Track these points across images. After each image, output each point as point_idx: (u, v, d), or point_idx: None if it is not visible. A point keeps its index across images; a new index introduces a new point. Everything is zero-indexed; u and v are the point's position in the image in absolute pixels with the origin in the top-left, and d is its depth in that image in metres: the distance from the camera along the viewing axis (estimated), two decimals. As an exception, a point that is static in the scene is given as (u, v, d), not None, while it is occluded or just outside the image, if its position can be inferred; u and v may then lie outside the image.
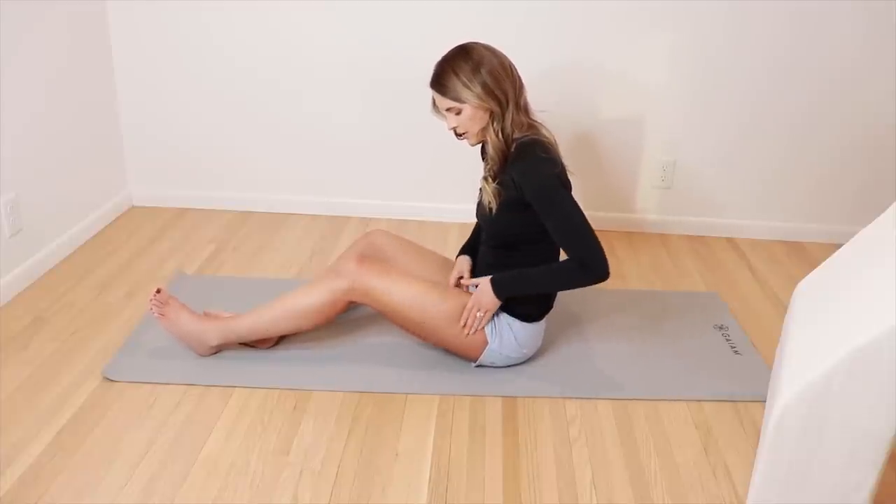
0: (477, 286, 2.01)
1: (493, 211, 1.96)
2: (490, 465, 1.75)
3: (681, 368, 2.14)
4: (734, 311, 2.47)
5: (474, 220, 2.15)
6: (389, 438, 1.82)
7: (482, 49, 1.90)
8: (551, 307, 2.09)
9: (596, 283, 1.90)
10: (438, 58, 1.92)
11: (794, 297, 1.64)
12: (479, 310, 1.97)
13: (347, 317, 2.24)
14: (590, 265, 1.87)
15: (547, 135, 1.95)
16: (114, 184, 3.03)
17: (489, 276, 1.97)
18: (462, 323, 1.99)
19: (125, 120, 3.02)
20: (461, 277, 2.11)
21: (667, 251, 2.93)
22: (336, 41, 2.86)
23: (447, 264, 2.24)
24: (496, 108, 1.89)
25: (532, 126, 1.94)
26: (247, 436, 1.81)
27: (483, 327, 2.00)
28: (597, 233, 1.89)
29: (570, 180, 1.96)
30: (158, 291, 2.06)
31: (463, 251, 2.20)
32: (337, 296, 1.98)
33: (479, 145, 2.04)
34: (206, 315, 2.13)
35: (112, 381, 1.98)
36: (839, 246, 1.68)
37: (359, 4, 2.80)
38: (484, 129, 1.93)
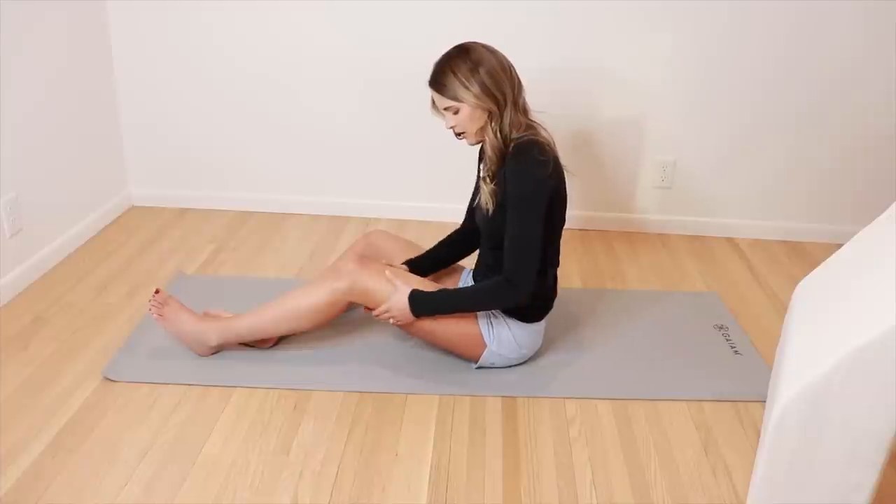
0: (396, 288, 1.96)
1: (491, 212, 1.96)
2: (490, 465, 1.75)
3: (681, 368, 2.14)
4: (734, 311, 2.47)
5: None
6: (389, 438, 1.82)
7: (481, 49, 1.90)
8: (551, 308, 2.09)
9: (513, 304, 1.95)
10: (439, 57, 1.92)
11: (794, 297, 1.64)
12: (390, 317, 1.97)
13: (347, 317, 2.24)
14: (517, 284, 1.89)
15: (545, 135, 1.95)
16: (114, 184, 3.03)
17: (410, 288, 1.95)
18: (375, 314, 1.99)
19: (125, 120, 3.02)
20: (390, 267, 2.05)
21: (667, 251, 2.93)
22: (336, 41, 2.86)
23: (447, 264, 2.24)
24: (494, 108, 1.89)
25: (531, 126, 1.94)
26: (247, 436, 1.81)
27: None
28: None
29: (567, 180, 1.96)
30: (157, 292, 2.06)
31: (411, 262, 2.15)
32: (337, 296, 1.98)
33: (478, 146, 2.03)
34: (206, 315, 2.13)
35: (112, 381, 1.98)
36: (839, 246, 1.68)
37: (358, 4, 2.80)
38: (482, 129, 1.92)
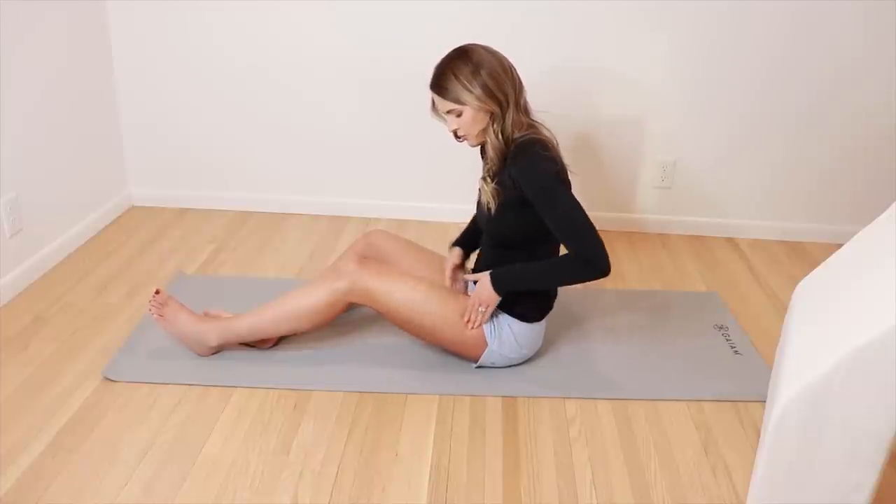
0: (476, 282, 2.00)
1: (492, 211, 1.96)
2: (490, 465, 1.75)
3: (681, 368, 2.14)
4: (734, 311, 2.47)
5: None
6: (389, 438, 1.82)
7: (481, 50, 1.90)
8: (551, 307, 2.09)
9: (597, 278, 1.88)
10: (439, 58, 1.92)
11: (794, 297, 1.64)
12: (479, 305, 1.97)
13: (347, 317, 2.24)
14: (593, 261, 1.86)
15: (547, 134, 1.95)
16: (114, 184, 3.03)
17: (489, 272, 1.96)
18: (465, 318, 1.99)
19: (125, 120, 3.02)
20: (456, 269, 2.13)
21: (667, 251, 2.93)
22: (336, 41, 2.86)
23: (447, 264, 2.25)
24: (496, 110, 1.89)
25: (532, 126, 1.94)
26: (247, 436, 1.81)
27: (485, 322, 2.00)
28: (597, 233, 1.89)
29: (571, 180, 1.96)
30: (157, 292, 2.06)
31: (456, 243, 2.20)
32: (337, 296, 1.98)
33: (480, 146, 2.03)
34: (207, 315, 2.13)
35: (112, 381, 1.98)
36: (839, 246, 1.68)
37: (358, 4, 2.80)
38: (484, 131, 1.92)
